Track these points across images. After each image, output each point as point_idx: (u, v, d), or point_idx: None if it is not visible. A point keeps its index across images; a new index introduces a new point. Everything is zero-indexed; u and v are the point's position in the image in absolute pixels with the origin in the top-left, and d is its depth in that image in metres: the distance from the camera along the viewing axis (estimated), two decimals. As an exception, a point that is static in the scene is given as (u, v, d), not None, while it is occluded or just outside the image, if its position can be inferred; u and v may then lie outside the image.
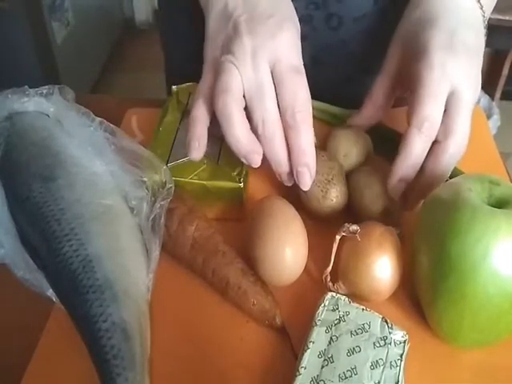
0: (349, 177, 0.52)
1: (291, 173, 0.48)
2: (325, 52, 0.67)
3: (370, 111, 0.55)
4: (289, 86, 0.46)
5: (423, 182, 0.48)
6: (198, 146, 0.48)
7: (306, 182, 0.48)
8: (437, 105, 0.46)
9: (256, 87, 0.45)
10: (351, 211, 0.51)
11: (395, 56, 0.53)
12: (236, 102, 0.45)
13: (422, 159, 0.47)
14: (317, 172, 0.49)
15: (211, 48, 0.49)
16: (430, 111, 0.45)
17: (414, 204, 0.50)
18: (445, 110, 0.46)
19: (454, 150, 0.46)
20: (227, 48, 0.47)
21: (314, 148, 0.47)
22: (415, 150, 0.46)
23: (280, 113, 0.46)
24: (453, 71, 0.46)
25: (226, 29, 0.48)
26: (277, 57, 0.46)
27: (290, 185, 0.50)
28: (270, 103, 0.45)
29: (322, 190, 0.50)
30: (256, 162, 0.47)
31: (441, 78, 0.46)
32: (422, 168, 0.47)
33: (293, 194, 0.51)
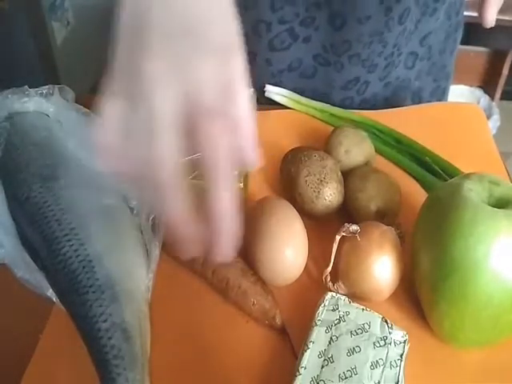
0: (346, 177, 0.52)
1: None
2: (328, 53, 0.67)
3: None
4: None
5: None
6: None
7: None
8: None
9: None
10: (348, 210, 0.51)
11: None
12: None
13: None
14: (309, 173, 0.49)
15: None
16: None
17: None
18: None
19: None
20: None
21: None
22: None
23: None
24: None
25: None
26: None
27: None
28: None
29: (314, 191, 0.50)
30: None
31: None
32: None
33: (290, 195, 0.51)
